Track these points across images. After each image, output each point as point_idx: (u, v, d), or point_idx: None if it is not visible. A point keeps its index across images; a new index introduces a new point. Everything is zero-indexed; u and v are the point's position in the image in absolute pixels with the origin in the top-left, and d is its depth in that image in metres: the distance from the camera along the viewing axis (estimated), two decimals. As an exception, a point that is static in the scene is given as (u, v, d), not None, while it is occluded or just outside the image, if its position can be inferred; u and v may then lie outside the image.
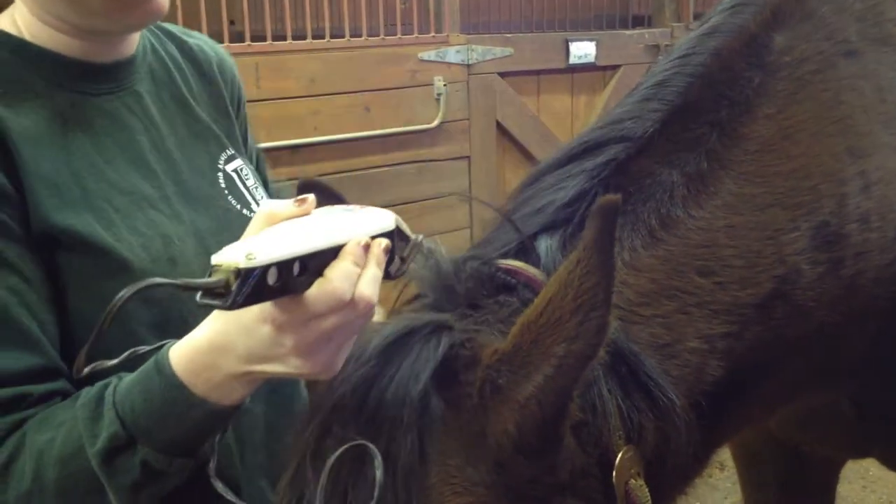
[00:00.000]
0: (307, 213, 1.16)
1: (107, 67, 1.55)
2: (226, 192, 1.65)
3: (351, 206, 1.21)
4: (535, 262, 1.37)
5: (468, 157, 5.70)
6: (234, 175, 1.69)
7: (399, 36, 5.31)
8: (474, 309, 1.30)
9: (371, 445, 1.11)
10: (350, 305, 1.10)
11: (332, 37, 4.97)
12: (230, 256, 1.02)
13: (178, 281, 1.04)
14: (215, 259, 1.03)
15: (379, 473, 1.09)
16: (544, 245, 1.39)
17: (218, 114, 1.76)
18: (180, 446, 1.27)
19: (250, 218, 1.59)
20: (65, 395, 1.39)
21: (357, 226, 1.14)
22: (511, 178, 6.03)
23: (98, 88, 1.53)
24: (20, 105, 1.43)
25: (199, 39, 1.82)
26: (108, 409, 1.26)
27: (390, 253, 1.17)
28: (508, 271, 1.36)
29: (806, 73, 1.65)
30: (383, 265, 1.14)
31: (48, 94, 1.46)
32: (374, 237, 1.14)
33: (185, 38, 1.78)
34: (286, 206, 1.15)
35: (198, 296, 1.04)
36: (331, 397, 1.21)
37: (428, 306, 1.34)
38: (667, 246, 1.44)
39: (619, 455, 1.27)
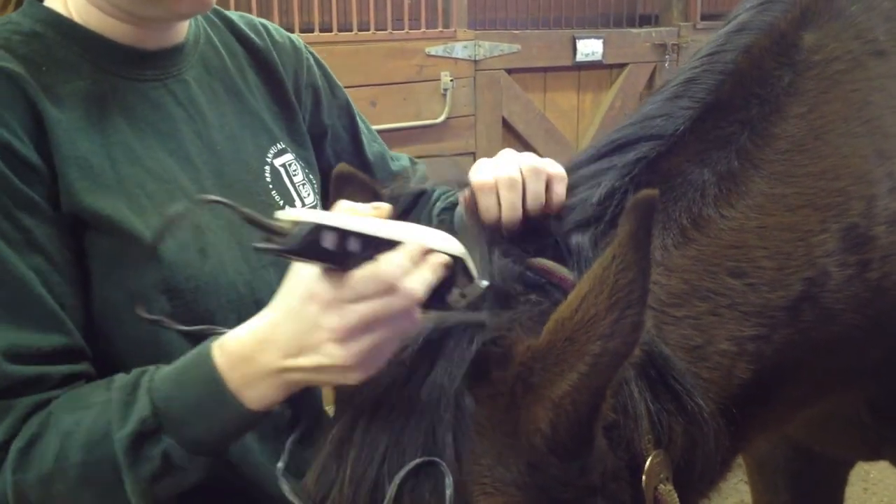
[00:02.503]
0: (380, 218, 1.16)
1: (154, 54, 1.54)
2: (270, 186, 1.63)
3: (424, 227, 1.21)
4: (566, 260, 1.35)
5: (473, 153, 5.69)
6: (282, 170, 1.67)
7: (406, 30, 5.30)
8: (504, 307, 1.28)
9: (443, 463, 1.09)
10: (394, 293, 1.09)
11: (339, 30, 4.95)
12: (295, 212, 1.06)
13: (245, 210, 1.06)
14: (279, 214, 1.06)
15: (449, 493, 1.07)
16: (575, 243, 1.37)
17: (277, 105, 1.74)
18: (203, 445, 1.24)
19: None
20: (88, 377, 1.37)
21: (425, 235, 1.15)
22: (515, 174, 6.01)
23: (143, 75, 1.52)
24: (62, 86, 1.42)
25: (265, 27, 1.81)
26: (142, 394, 1.24)
27: (451, 281, 1.17)
28: (538, 270, 1.34)
29: (835, 72, 1.63)
30: (438, 275, 1.13)
31: (92, 76, 1.45)
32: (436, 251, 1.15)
33: (243, 26, 1.76)
34: (362, 206, 1.17)
35: (257, 239, 1.06)
36: (361, 394, 1.18)
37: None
38: (698, 246, 1.42)
39: (649, 459, 1.25)
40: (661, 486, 1.26)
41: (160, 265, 1.40)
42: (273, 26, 1.84)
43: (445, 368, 1.15)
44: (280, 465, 1.22)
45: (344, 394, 1.25)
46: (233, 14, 1.78)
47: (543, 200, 1.38)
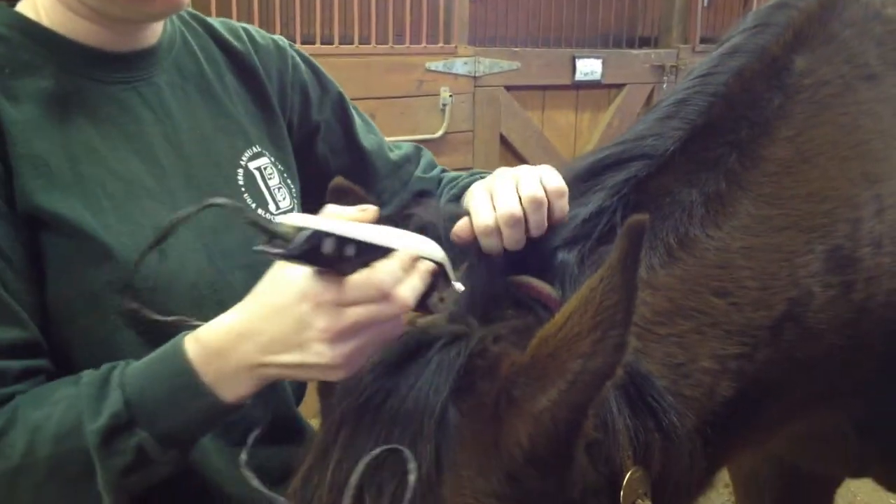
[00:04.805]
0: (366, 221, 1.20)
1: (124, 56, 1.55)
2: (242, 189, 1.64)
3: (409, 232, 1.25)
4: (552, 277, 1.37)
5: (470, 169, 5.68)
6: (256, 173, 1.68)
7: (407, 45, 5.31)
8: (487, 322, 1.29)
9: (405, 450, 1.10)
10: (387, 300, 1.13)
11: (340, 42, 4.97)
12: (296, 218, 1.10)
13: (250, 213, 1.11)
14: (280, 219, 1.10)
15: (412, 478, 1.08)
16: (561, 260, 1.38)
17: (257, 109, 1.75)
18: (176, 438, 1.26)
19: (265, 218, 1.61)
20: (47, 373, 1.38)
21: (412, 241, 1.19)
22: (512, 191, 6.02)
23: (111, 77, 1.53)
24: (22, 87, 1.43)
25: (247, 31, 1.82)
26: (113, 388, 1.26)
27: (432, 285, 1.20)
28: (521, 286, 1.35)
29: (825, 96, 1.64)
30: (426, 283, 1.18)
31: (56, 77, 1.46)
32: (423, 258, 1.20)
33: (224, 31, 1.77)
34: (350, 210, 1.20)
35: (259, 241, 1.10)
36: (345, 405, 1.20)
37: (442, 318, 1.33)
38: (684, 265, 1.43)
39: (628, 475, 1.26)
40: (640, 501, 1.27)
41: (115, 264, 1.41)
42: (255, 30, 1.85)
43: (431, 380, 1.16)
44: (243, 456, 1.23)
45: (329, 403, 1.25)
46: (214, 20, 1.79)
47: (545, 228, 1.37)
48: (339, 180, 1.44)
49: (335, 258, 1.11)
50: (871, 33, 1.75)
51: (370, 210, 1.22)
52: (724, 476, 2.55)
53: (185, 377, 1.23)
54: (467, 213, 1.36)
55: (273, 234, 1.09)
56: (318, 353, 1.14)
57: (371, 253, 1.14)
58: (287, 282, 1.16)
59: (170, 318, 1.29)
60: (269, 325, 1.17)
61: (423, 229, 1.66)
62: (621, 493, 1.25)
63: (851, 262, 1.55)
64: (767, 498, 2.45)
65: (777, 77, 1.63)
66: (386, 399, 1.16)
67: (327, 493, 1.14)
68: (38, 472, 1.26)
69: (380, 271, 1.13)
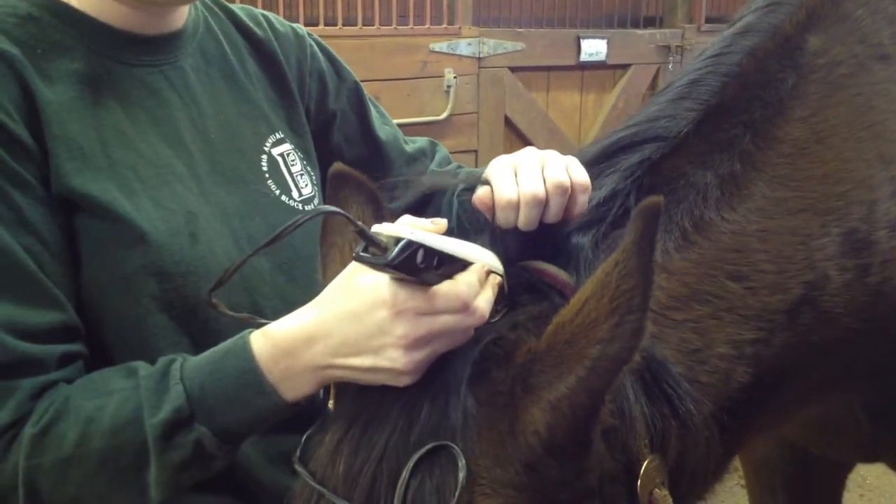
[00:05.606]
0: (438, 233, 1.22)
1: (151, 39, 1.54)
2: (266, 175, 1.64)
3: (474, 244, 1.27)
4: (566, 261, 1.35)
5: (475, 151, 5.68)
6: (280, 159, 1.67)
7: (411, 26, 5.30)
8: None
9: (455, 447, 1.10)
10: (467, 312, 1.16)
11: (344, 24, 4.95)
12: (393, 228, 1.12)
13: (358, 222, 1.10)
14: (377, 227, 1.12)
15: (462, 476, 1.08)
16: (576, 244, 1.37)
17: (277, 95, 1.75)
18: (232, 433, 1.27)
19: (288, 204, 1.62)
20: (84, 358, 1.38)
21: (481, 253, 1.24)
22: (517, 173, 5.99)
23: (139, 60, 1.52)
24: (55, 68, 1.42)
25: (266, 18, 1.82)
26: (174, 382, 1.26)
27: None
28: (535, 272, 1.34)
29: (839, 76, 1.63)
30: (496, 295, 1.22)
31: (86, 60, 1.46)
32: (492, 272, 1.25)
33: (245, 17, 1.76)
34: (423, 221, 1.22)
35: (358, 249, 1.13)
36: (363, 392, 1.19)
37: None
38: (699, 249, 1.42)
39: (645, 463, 1.25)
40: (657, 490, 1.26)
41: (148, 248, 1.41)
42: (275, 17, 1.85)
43: (450, 369, 1.16)
44: (297, 454, 1.24)
45: (345, 389, 1.25)
46: (235, 6, 1.78)
47: (561, 215, 1.37)
48: (338, 166, 1.44)
49: (422, 268, 1.13)
50: (884, 12, 1.73)
51: (441, 223, 1.24)
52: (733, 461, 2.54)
53: (250, 375, 1.23)
54: (487, 183, 1.36)
55: (370, 242, 1.11)
56: (392, 359, 1.15)
57: (451, 264, 1.17)
58: (366, 287, 1.17)
59: (239, 315, 1.29)
60: (343, 328, 1.18)
61: (435, 193, 1.66)
62: (638, 482, 1.24)
63: (867, 245, 1.54)
64: (779, 483, 2.45)
65: (790, 57, 1.61)
66: (405, 388, 1.17)
67: (342, 485, 1.14)
68: (90, 463, 1.26)
69: (462, 283, 1.16)
